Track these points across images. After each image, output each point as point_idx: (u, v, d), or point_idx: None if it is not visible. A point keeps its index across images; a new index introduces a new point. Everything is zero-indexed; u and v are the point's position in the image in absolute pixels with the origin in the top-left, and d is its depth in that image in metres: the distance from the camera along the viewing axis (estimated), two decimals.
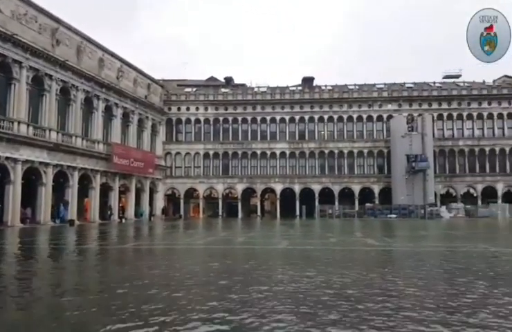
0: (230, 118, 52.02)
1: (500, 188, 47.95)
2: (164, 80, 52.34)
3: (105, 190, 38.12)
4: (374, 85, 52.80)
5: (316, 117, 51.15)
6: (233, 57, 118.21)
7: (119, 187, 40.13)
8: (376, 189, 49.24)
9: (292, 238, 18.42)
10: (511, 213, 44.97)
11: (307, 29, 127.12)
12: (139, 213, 43.07)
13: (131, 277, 7.66)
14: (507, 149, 48.31)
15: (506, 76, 53.12)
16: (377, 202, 47.94)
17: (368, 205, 46.61)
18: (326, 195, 49.49)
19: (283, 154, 51.17)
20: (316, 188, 49.93)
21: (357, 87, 52.40)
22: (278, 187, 50.69)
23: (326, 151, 50.56)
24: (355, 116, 50.66)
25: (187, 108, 51.56)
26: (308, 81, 54.71)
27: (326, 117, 51.03)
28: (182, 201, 50.29)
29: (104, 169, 37.16)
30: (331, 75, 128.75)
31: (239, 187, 50.98)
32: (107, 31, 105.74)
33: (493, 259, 10.52)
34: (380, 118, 50.49)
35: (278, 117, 51.55)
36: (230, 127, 52.13)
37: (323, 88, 53.52)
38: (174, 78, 57.09)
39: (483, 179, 48.57)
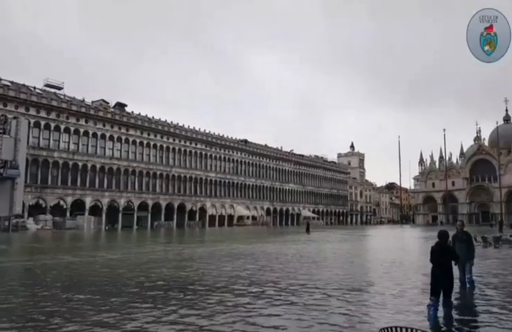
0: None
1: (88, 201, 51.50)
2: None
3: None
4: None
5: None
6: None
7: None
8: None
9: None
10: (95, 225, 49.19)
11: None
12: None
13: None
14: (98, 166, 52.93)
15: (103, 100, 59.02)
16: None
17: None
18: None
19: None
20: None
21: None
22: None
23: None
24: None
25: None
26: None
27: None
28: None
29: None
30: None
31: None
32: None
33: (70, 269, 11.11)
34: None
35: None
36: None
37: None
38: None
39: (73, 192, 50.37)
